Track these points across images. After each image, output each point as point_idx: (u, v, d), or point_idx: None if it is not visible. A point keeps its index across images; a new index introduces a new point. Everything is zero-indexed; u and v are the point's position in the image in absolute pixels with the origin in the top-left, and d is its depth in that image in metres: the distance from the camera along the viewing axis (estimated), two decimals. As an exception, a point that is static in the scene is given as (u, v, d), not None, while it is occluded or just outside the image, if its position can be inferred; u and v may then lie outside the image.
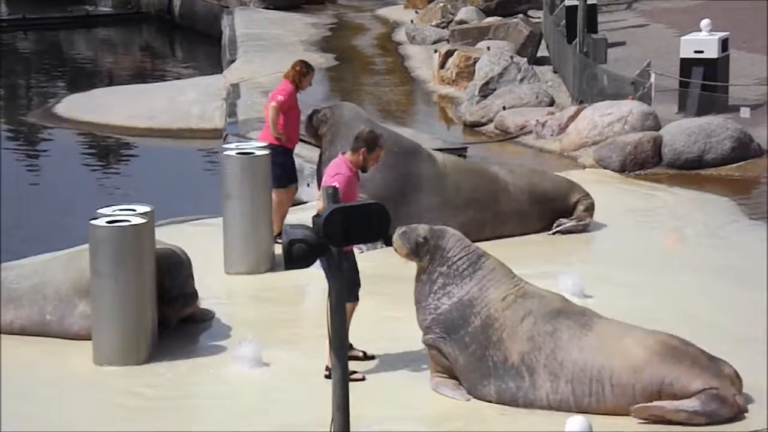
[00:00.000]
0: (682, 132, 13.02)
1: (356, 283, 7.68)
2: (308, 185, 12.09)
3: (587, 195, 10.80)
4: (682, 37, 14.89)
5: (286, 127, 10.38)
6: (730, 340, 7.93)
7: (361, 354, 7.87)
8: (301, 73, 10.43)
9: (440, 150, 11.87)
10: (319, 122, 10.34)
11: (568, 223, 10.63)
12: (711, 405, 6.83)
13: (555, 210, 10.69)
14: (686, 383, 6.86)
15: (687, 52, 14.46)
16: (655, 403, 6.86)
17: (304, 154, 12.35)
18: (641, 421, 6.89)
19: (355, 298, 7.68)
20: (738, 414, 6.93)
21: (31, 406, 7.51)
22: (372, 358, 7.92)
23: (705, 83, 14.17)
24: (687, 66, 14.39)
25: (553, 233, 10.57)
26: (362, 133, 7.77)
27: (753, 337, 8.14)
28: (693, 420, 6.82)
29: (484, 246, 7.74)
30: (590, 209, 10.77)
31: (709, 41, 14.42)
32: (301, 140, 11.15)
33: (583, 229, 10.67)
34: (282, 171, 10.28)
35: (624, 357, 6.97)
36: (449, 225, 7.90)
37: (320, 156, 10.46)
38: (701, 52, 14.37)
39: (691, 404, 6.83)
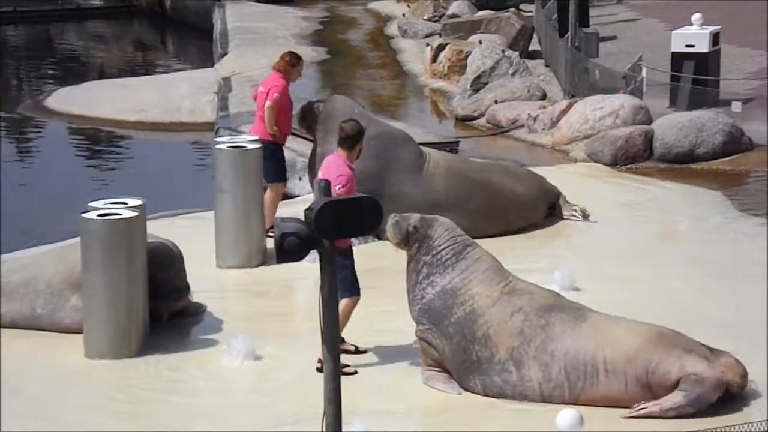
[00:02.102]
0: (673, 126, 13.04)
1: (356, 279, 7.69)
2: (300, 179, 12.08)
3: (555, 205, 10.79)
4: (673, 31, 14.90)
5: (279, 122, 10.36)
6: (721, 332, 7.94)
7: (352, 348, 7.87)
8: (291, 63, 10.40)
9: (432, 144, 11.86)
10: (313, 116, 10.29)
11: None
12: (694, 392, 6.81)
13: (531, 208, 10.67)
14: (666, 370, 6.86)
15: (678, 46, 14.47)
16: (642, 411, 6.86)
17: (296, 148, 12.34)
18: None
19: (357, 294, 7.68)
20: (727, 393, 6.91)
21: (22, 400, 7.50)
22: (364, 352, 7.92)
23: (696, 77, 14.18)
24: (678, 60, 14.40)
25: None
26: (348, 129, 7.66)
27: (743, 328, 8.16)
28: (684, 413, 6.83)
29: (476, 240, 7.74)
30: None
31: (700, 35, 14.43)
32: (293, 134, 11.13)
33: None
34: (276, 166, 10.29)
35: (617, 343, 6.98)
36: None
37: (313, 150, 10.43)
38: (692, 46, 14.38)
39: (674, 400, 6.82)
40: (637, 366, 6.90)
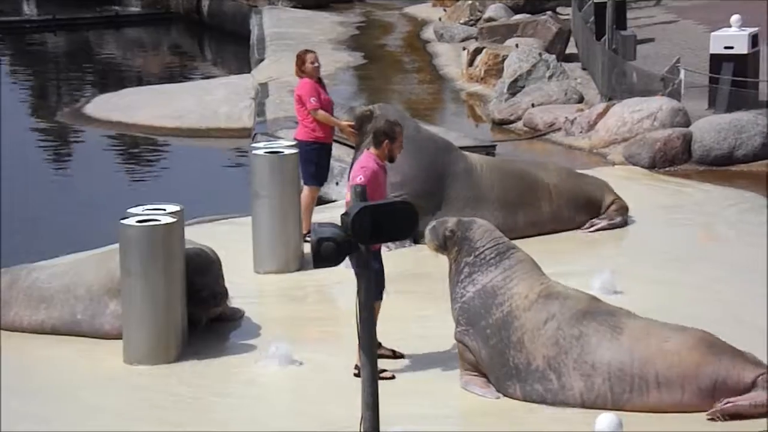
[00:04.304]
0: (712, 128, 12.94)
1: (380, 283, 7.69)
2: (337, 183, 12.10)
3: (619, 197, 10.80)
4: (712, 33, 14.78)
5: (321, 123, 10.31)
6: (761, 336, 7.86)
7: (390, 352, 7.87)
8: (299, 66, 10.21)
9: (469, 148, 11.85)
10: (364, 118, 10.19)
11: (601, 222, 10.63)
12: None
13: (590, 212, 10.67)
14: (739, 376, 6.89)
15: (717, 48, 14.35)
16: (729, 406, 6.84)
17: (334, 153, 12.34)
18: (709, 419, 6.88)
19: (379, 297, 7.68)
20: None
21: (62, 405, 7.56)
22: (401, 356, 7.91)
23: (735, 79, 14.05)
24: (717, 62, 14.28)
25: (589, 232, 10.58)
26: (380, 126, 7.84)
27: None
28: (765, 410, 6.83)
29: (515, 242, 7.71)
30: (621, 210, 10.77)
31: (739, 37, 14.30)
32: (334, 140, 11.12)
33: (614, 227, 10.66)
34: (316, 169, 10.31)
35: (670, 357, 6.95)
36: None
37: (355, 153, 10.39)
38: (731, 47, 14.25)
39: (760, 396, 6.83)
40: (700, 379, 6.90)
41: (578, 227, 10.63)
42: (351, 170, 10.21)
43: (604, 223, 10.65)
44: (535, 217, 10.47)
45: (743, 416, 6.85)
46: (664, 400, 6.97)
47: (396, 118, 9.95)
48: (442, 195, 10.21)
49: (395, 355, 7.89)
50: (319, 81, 10.40)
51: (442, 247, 7.43)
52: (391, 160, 7.78)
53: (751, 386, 6.88)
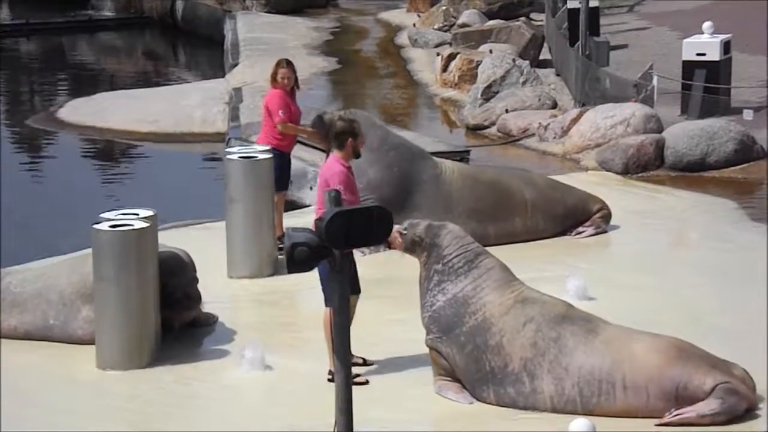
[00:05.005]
0: (684, 134, 13.02)
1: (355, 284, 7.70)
2: (311, 188, 12.10)
3: (605, 205, 10.81)
4: (684, 40, 14.89)
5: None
6: (736, 343, 7.92)
7: (360, 360, 7.85)
8: (273, 74, 10.31)
9: (443, 153, 11.86)
10: (332, 124, 10.21)
11: (587, 230, 10.64)
12: (728, 400, 6.86)
13: (571, 222, 10.70)
14: (700, 383, 6.89)
15: (689, 55, 14.46)
16: (678, 418, 6.87)
17: (307, 158, 12.35)
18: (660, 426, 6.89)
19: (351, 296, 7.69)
20: (752, 409, 6.96)
21: (35, 411, 7.51)
22: (371, 364, 7.90)
23: (707, 86, 14.16)
24: (689, 68, 14.39)
25: (576, 238, 10.62)
26: (339, 126, 7.83)
27: (758, 339, 8.14)
28: (716, 420, 6.85)
29: (488, 249, 7.73)
30: (607, 218, 10.80)
31: (711, 44, 14.42)
32: (302, 143, 11.12)
33: (599, 234, 10.73)
34: (280, 173, 10.31)
35: (637, 360, 6.97)
36: None
37: (326, 158, 10.40)
38: (703, 54, 14.37)
39: (710, 406, 6.85)
40: (663, 383, 6.91)
41: (556, 236, 10.64)
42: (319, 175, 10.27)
43: (590, 230, 10.67)
44: (508, 228, 10.43)
45: (693, 425, 6.85)
46: (631, 403, 6.98)
47: (355, 118, 10.05)
48: (411, 201, 10.19)
49: (365, 363, 7.87)
50: (292, 90, 10.40)
51: (411, 250, 7.45)
52: (357, 156, 7.80)
53: (710, 394, 6.88)
